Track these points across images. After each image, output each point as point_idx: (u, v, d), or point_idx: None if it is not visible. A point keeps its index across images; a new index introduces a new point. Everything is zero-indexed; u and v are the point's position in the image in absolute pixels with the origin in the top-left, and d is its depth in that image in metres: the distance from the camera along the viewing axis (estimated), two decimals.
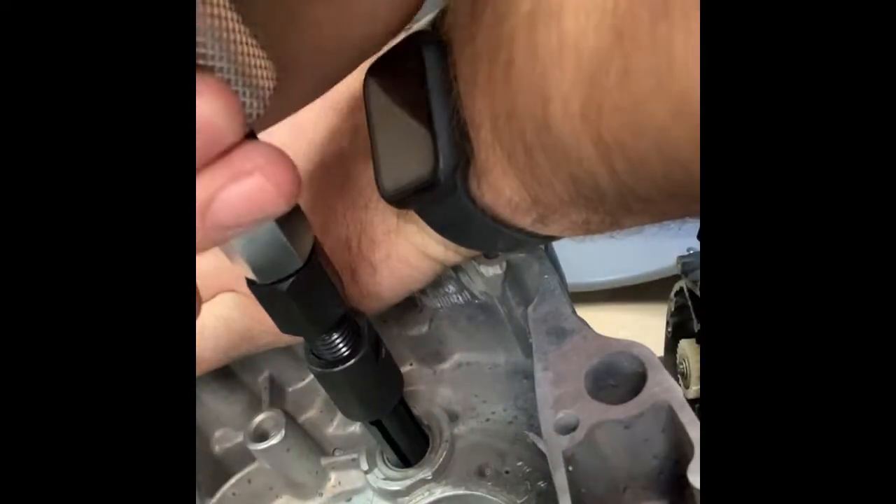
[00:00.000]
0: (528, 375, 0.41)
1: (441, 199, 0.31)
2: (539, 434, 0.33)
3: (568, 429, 0.30)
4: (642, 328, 0.85)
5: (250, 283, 0.31)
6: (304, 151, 0.36)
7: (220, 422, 0.45)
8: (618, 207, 0.28)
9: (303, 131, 0.36)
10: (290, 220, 0.28)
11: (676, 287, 0.73)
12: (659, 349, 0.76)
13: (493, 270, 0.37)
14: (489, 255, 0.37)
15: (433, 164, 0.29)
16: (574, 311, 0.34)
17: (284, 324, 0.33)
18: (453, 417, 0.43)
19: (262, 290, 0.31)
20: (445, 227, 0.33)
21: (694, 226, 0.29)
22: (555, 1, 0.24)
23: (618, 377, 0.32)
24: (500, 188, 0.30)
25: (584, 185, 0.27)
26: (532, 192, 0.29)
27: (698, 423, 0.29)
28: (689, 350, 0.72)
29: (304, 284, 0.30)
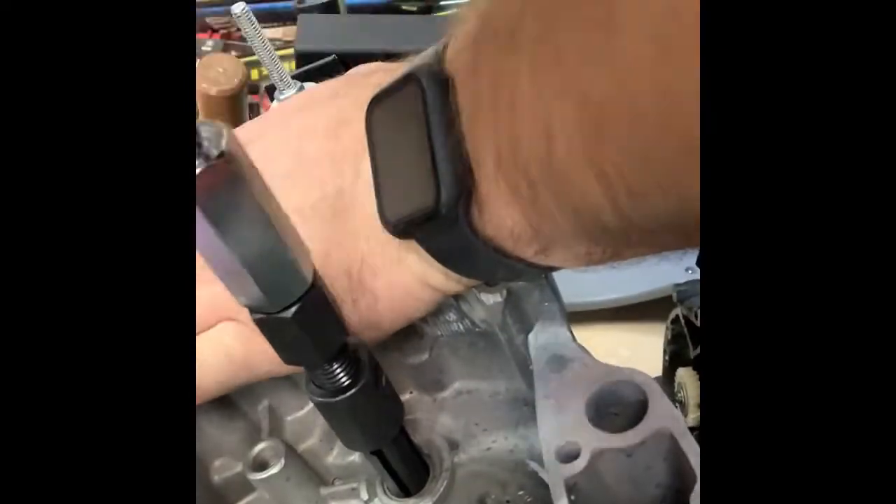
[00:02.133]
0: (529, 403, 0.41)
1: (443, 230, 0.31)
2: (540, 463, 0.33)
3: (570, 457, 0.30)
4: (640, 347, 0.86)
5: (254, 314, 0.31)
6: (305, 181, 0.36)
7: (220, 451, 0.45)
8: (619, 239, 0.28)
9: (305, 162, 0.37)
10: (295, 243, 0.29)
11: (672, 315, 0.73)
12: (656, 369, 0.76)
13: (493, 298, 0.37)
14: (490, 284, 0.37)
15: (435, 196, 0.30)
16: (575, 339, 0.35)
17: (288, 354, 0.32)
18: (454, 446, 0.42)
19: (267, 320, 0.30)
20: (447, 258, 0.33)
21: (693, 250, 0.30)
22: (559, 44, 0.24)
23: (619, 405, 0.32)
24: (502, 219, 0.30)
25: (586, 218, 0.27)
26: (534, 224, 0.30)
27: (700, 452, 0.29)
28: (686, 378, 0.72)
29: (309, 310, 0.30)
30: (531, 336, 0.36)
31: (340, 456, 0.45)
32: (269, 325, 0.31)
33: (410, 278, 0.36)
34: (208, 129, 0.25)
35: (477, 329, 0.41)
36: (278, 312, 0.30)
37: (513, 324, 0.38)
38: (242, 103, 0.72)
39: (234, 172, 0.25)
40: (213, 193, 0.25)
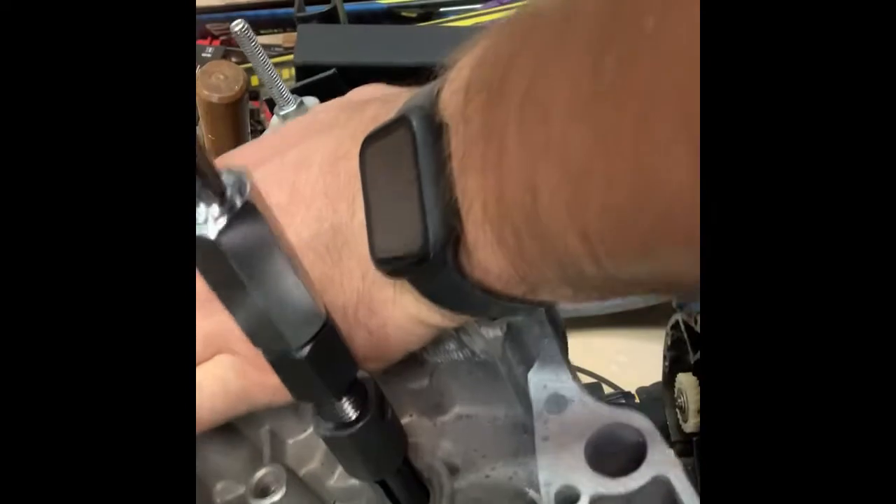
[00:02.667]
0: (528, 430, 0.41)
1: (432, 272, 0.31)
2: (539, 492, 0.33)
3: (569, 501, 0.31)
4: (639, 353, 0.86)
5: (267, 354, 0.31)
6: (301, 217, 0.36)
7: (222, 475, 0.45)
8: (603, 288, 0.29)
9: (300, 197, 0.36)
10: (308, 281, 0.29)
11: (672, 321, 0.74)
12: (654, 375, 0.77)
13: (493, 332, 0.37)
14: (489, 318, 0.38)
15: (423, 240, 0.30)
16: (574, 377, 0.35)
17: (300, 391, 0.33)
18: (454, 471, 0.43)
19: (281, 361, 0.31)
20: (439, 298, 0.33)
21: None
22: (545, 101, 0.25)
23: (617, 445, 0.32)
24: (489, 265, 0.31)
25: (570, 269, 0.28)
26: (520, 271, 0.30)
27: (697, 498, 0.30)
28: (686, 384, 0.72)
29: (323, 348, 0.31)
30: (531, 374, 0.36)
31: (342, 479, 0.45)
32: (283, 365, 0.31)
33: (406, 316, 0.36)
34: (230, 177, 0.26)
35: (477, 359, 0.41)
36: (293, 352, 0.30)
37: (513, 356, 0.39)
38: (244, 110, 0.72)
39: (258, 220, 0.26)
40: (239, 242, 0.26)
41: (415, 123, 0.31)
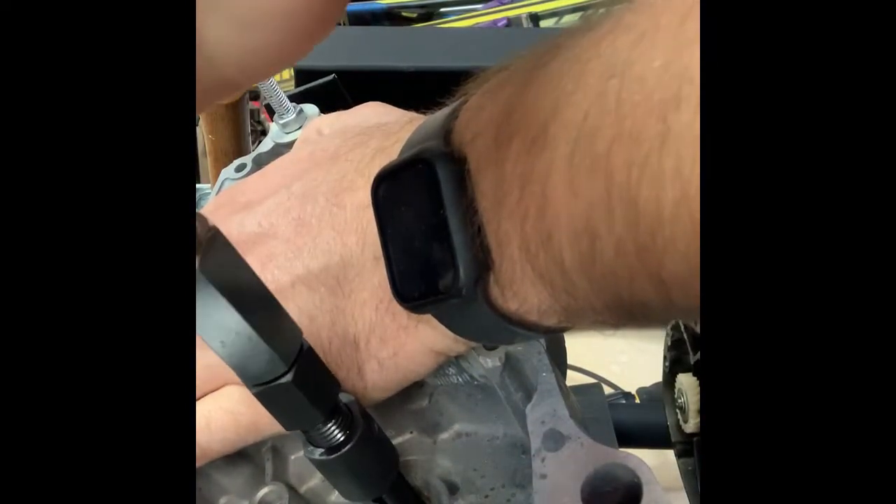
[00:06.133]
0: (526, 450, 0.42)
1: (461, 308, 0.31)
2: None
3: None
4: (639, 354, 0.86)
5: (253, 387, 0.31)
6: (308, 249, 0.36)
7: (225, 491, 0.46)
8: (661, 319, 0.28)
9: (308, 228, 0.37)
10: (272, 319, 0.30)
11: (672, 321, 0.74)
12: (654, 375, 0.77)
13: (492, 362, 0.38)
14: (489, 347, 0.38)
15: (453, 278, 0.30)
16: (573, 413, 0.35)
17: (290, 418, 0.34)
18: (453, 490, 0.43)
19: (267, 390, 0.31)
20: (462, 329, 0.34)
21: None
22: (600, 147, 0.24)
23: (613, 483, 0.33)
24: (527, 297, 0.30)
25: (629, 305, 0.27)
26: (563, 303, 0.30)
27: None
28: (686, 384, 0.73)
29: (306, 371, 0.32)
30: (528, 408, 0.36)
31: (342, 496, 0.46)
32: (269, 394, 0.32)
33: (418, 346, 0.36)
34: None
35: (476, 382, 0.41)
36: (277, 379, 0.31)
37: (511, 383, 0.39)
38: (244, 110, 0.72)
39: (228, 247, 0.27)
40: (217, 268, 0.26)
41: (436, 164, 0.30)
